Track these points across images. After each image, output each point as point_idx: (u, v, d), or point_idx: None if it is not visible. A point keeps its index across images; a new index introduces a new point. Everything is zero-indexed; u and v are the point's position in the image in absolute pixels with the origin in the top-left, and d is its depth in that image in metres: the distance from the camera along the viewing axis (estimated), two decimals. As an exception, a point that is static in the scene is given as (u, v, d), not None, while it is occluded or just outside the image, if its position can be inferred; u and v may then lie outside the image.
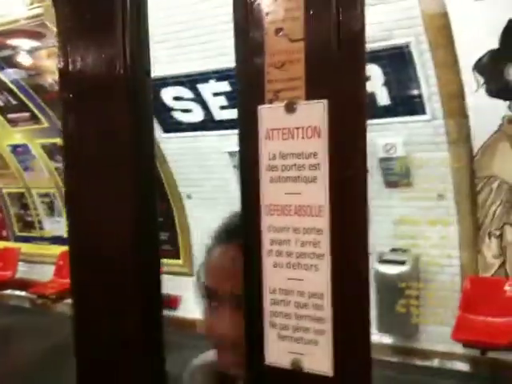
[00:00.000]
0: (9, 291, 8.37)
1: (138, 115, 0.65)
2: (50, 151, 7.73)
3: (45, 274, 7.94)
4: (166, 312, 0.85)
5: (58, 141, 7.51)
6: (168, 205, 6.87)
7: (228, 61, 5.32)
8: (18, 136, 7.88)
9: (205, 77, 5.61)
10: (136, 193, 0.65)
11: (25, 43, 6.36)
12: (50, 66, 6.52)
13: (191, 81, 5.71)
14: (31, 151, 7.88)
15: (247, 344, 0.61)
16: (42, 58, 6.56)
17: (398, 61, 4.73)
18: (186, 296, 6.37)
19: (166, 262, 6.54)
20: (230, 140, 5.96)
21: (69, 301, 7.71)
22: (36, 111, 7.28)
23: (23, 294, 8.06)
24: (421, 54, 4.60)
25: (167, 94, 5.94)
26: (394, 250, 5.53)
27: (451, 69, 4.59)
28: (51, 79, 6.73)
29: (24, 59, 6.63)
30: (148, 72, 0.67)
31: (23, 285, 8.01)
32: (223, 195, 6.27)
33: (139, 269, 0.65)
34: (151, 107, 0.70)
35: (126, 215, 0.65)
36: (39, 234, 8.54)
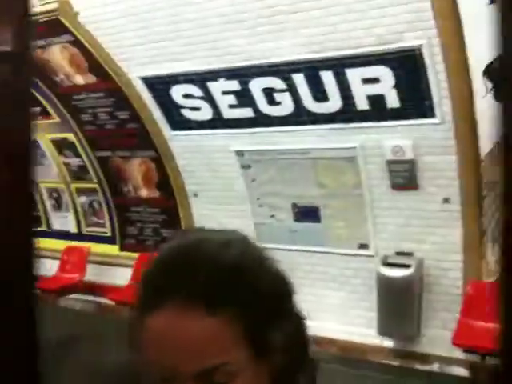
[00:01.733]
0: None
1: (15, 100, 0.64)
2: (59, 146, 7.75)
3: (47, 269, 7.92)
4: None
5: (68, 136, 7.53)
6: (174, 202, 6.87)
7: (237, 60, 5.32)
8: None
9: (214, 75, 5.61)
10: (9, 181, 0.65)
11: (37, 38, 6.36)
12: (63, 61, 6.56)
13: (201, 79, 5.71)
14: (41, 146, 7.89)
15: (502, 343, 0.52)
16: (54, 53, 6.58)
17: (408, 63, 4.71)
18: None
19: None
20: (237, 139, 5.96)
21: (72, 296, 7.73)
22: (47, 106, 7.30)
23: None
24: (432, 56, 4.58)
25: (177, 92, 5.94)
26: (399, 254, 5.50)
27: (462, 72, 4.57)
28: (63, 74, 6.76)
29: (36, 54, 6.65)
30: (31, 54, 0.66)
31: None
32: (228, 194, 6.28)
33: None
34: (30, 91, 0.68)
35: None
36: (46, 229, 8.57)
